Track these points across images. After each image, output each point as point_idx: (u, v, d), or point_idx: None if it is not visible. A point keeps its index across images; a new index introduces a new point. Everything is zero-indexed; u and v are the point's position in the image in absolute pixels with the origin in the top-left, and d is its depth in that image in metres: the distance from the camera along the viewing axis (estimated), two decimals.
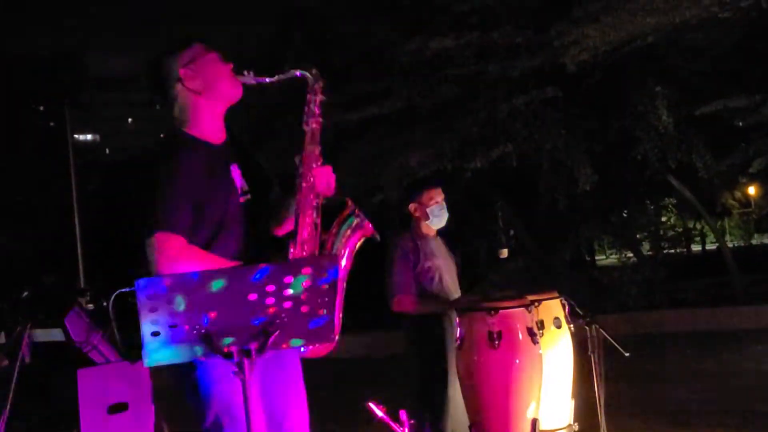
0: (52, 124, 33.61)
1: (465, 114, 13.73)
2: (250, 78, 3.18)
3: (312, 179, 3.13)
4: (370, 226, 3.26)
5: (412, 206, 5.27)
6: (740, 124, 13.96)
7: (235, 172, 3.16)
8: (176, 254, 2.90)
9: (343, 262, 3.24)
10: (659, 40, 12.51)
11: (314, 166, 3.16)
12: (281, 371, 3.19)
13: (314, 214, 3.13)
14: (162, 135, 3.33)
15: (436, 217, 5.24)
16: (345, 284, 3.22)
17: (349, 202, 3.30)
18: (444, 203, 5.29)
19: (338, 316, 3.11)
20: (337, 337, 2.90)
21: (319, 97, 3.24)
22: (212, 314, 2.46)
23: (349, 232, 3.27)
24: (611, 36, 11.77)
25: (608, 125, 13.92)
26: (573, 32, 11.99)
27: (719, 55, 13.32)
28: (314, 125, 3.20)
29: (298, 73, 3.24)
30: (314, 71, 3.25)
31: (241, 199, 3.14)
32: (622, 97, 13.44)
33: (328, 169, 3.20)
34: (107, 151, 78.66)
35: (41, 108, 34.17)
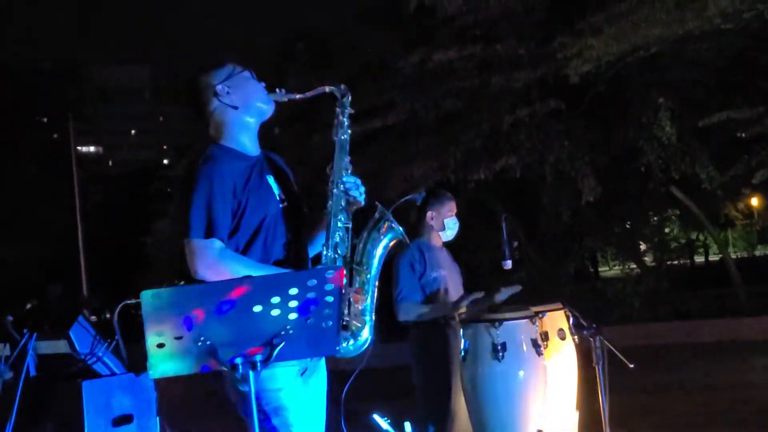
0: (55, 136, 33.73)
1: (468, 126, 13.75)
2: (282, 95, 3.31)
3: (342, 186, 3.24)
4: (400, 229, 3.35)
5: (430, 214, 5.27)
6: (743, 135, 13.97)
7: (273, 181, 3.27)
8: (214, 258, 3.01)
9: (375, 263, 3.33)
10: (662, 52, 12.54)
11: (344, 174, 3.27)
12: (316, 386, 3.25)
13: (345, 219, 3.24)
14: (194, 153, 3.40)
15: (451, 229, 5.27)
16: (377, 287, 3.33)
17: (379, 207, 3.38)
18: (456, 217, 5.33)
19: (372, 318, 3.27)
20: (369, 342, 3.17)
21: (348, 110, 3.35)
22: (217, 326, 2.46)
23: (380, 235, 3.34)
24: (614, 47, 11.79)
25: (611, 137, 13.94)
26: (576, 44, 12.02)
27: (722, 67, 13.34)
28: (343, 136, 3.32)
29: (327, 89, 3.36)
30: (342, 86, 3.37)
31: (281, 204, 3.23)
32: (626, 108, 13.46)
33: (358, 180, 3.31)
34: (110, 163, 78.92)
35: (45, 120, 34.29)
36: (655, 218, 20.54)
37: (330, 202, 3.22)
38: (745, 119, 12.67)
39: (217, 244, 3.02)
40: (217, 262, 3.00)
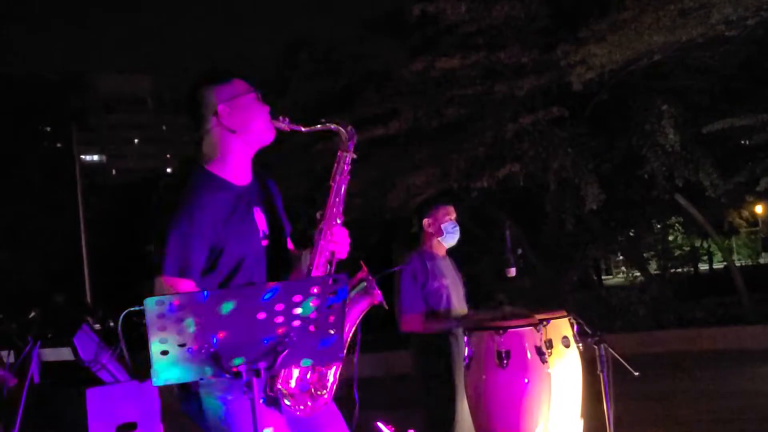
0: (59, 145, 33.81)
1: (471, 134, 13.75)
2: (284, 124, 3.16)
3: (330, 237, 3.09)
4: (380, 294, 3.23)
5: (426, 221, 5.25)
6: (747, 142, 13.96)
7: (258, 215, 3.13)
8: None
9: (347, 328, 3.17)
10: (665, 59, 12.55)
11: (334, 224, 3.12)
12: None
13: (326, 273, 3.08)
14: (184, 166, 3.29)
15: (450, 233, 5.21)
16: (346, 344, 3.14)
17: (363, 266, 3.25)
18: (456, 222, 5.28)
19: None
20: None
21: (351, 155, 3.19)
22: (221, 333, 2.46)
23: (357, 296, 3.24)
24: (617, 55, 11.80)
25: (615, 144, 13.94)
26: (579, 51, 12.02)
27: (726, 74, 13.35)
28: (341, 184, 3.17)
29: (333, 127, 3.20)
30: (350, 128, 3.21)
31: (263, 243, 3.11)
32: (629, 115, 13.46)
33: (345, 231, 3.15)
34: (113, 172, 79.03)
35: (48, 130, 34.37)
36: (659, 226, 20.52)
37: (314, 252, 3.06)
38: (749, 126, 12.66)
39: (189, 285, 2.91)
40: None
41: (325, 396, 3.07)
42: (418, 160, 14.08)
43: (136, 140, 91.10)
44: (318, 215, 3.13)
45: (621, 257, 20.31)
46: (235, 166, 3.11)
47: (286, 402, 2.97)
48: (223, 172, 3.08)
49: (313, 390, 3.03)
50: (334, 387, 3.10)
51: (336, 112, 13.23)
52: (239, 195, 3.08)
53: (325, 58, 17.52)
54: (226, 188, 3.05)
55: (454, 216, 5.26)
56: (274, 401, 2.93)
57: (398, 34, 16.28)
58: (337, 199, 3.14)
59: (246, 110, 3.09)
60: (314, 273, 3.05)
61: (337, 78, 16.67)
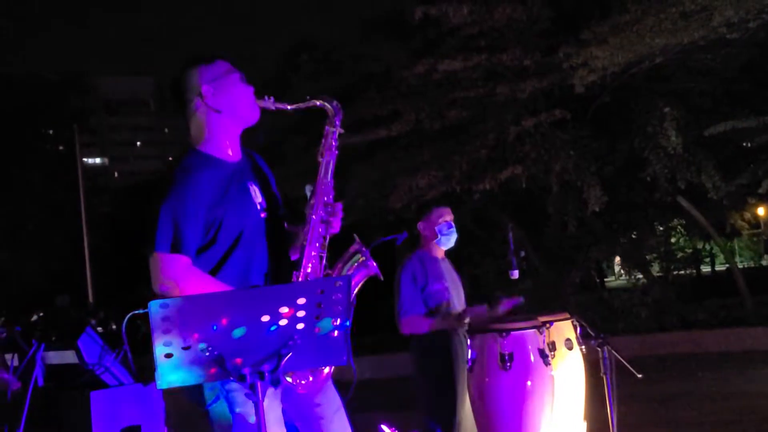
0: (61, 148, 33.81)
1: (474, 136, 13.75)
2: (270, 103, 3.19)
3: (321, 213, 3.12)
4: (375, 265, 3.23)
5: (421, 225, 5.26)
6: (749, 145, 13.95)
7: (253, 189, 3.15)
8: (177, 275, 2.90)
9: None
10: (667, 61, 12.54)
11: (325, 199, 3.14)
12: (327, 400, 3.20)
13: (320, 248, 3.11)
14: (175, 155, 3.32)
15: (445, 235, 5.22)
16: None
17: (357, 239, 3.26)
18: (453, 223, 5.27)
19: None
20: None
21: (338, 130, 3.22)
22: (225, 336, 2.46)
23: (353, 269, 3.24)
24: (619, 57, 11.79)
25: (617, 146, 13.93)
26: (581, 54, 12.01)
27: (727, 76, 13.34)
28: (329, 159, 3.18)
29: (318, 103, 3.23)
30: (335, 103, 3.24)
31: (262, 215, 3.12)
32: (631, 118, 13.45)
33: (339, 206, 3.18)
34: (116, 174, 79.07)
35: (50, 132, 34.36)
36: (661, 228, 20.50)
37: (306, 227, 3.09)
38: (751, 129, 12.65)
39: (183, 260, 2.91)
40: (180, 280, 2.88)
41: (326, 370, 3.07)
42: (420, 161, 14.07)
43: (138, 142, 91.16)
44: (308, 191, 3.16)
45: (623, 259, 20.20)
46: (224, 145, 3.13)
47: (288, 378, 2.98)
48: (214, 150, 3.10)
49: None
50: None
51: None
52: (233, 171, 3.10)
53: (326, 60, 17.51)
54: (218, 165, 3.07)
55: (449, 218, 5.25)
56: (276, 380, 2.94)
57: (400, 36, 16.28)
58: (327, 174, 3.16)
59: (230, 90, 3.12)
60: (307, 248, 3.07)
61: (339, 79, 16.68)
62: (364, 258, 3.23)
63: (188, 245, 2.93)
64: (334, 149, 3.20)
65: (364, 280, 3.28)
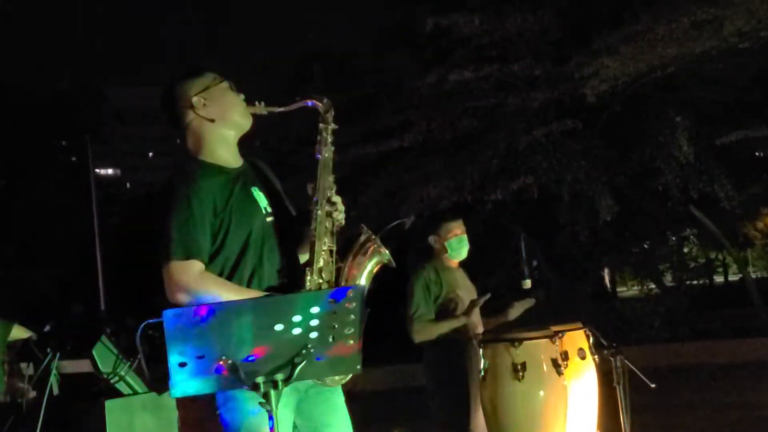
0: (74, 158, 33.94)
1: (485, 146, 13.76)
2: (261, 108, 3.19)
3: (327, 207, 3.12)
4: (387, 252, 3.25)
5: (431, 238, 5.27)
6: (761, 154, 13.92)
7: (258, 193, 3.16)
8: (192, 281, 2.90)
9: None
10: (679, 71, 12.53)
11: (328, 194, 3.14)
12: (331, 409, 3.19)
13: (329, 241, 3.11)
14: (174, 166, 3.33)
15: (455, 250, 5.22)
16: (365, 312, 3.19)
17: (364, 229, 3.25)
18: (464, 235, 5.27)
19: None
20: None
21: (331, 126, 3.22)
22: (239, 345, 2.47)
23: (365, 259, 3.25)
24: (631, 67, 11.80)
25: (629, 156, 13.91)
26: (592, 63, 12.03)
27: (739, 86, 13.32)
28: (327, 154, 3.19)
29: (309, 102, 3.23)
30: (325, 100, 3.23)
31: (268, 218, 3.13)
32: (643, 127, 13.44)
33: (339, 198, 3.17)
34: (128, 185, 79.23)
35: (63, 143, 34.50)
36: (674, 238, 20.45)
37: (314, 224, 3.08)
38: (764, 138, 12.64)
39: (197, 266, 2.91)
40: (195, 286, 2.89)
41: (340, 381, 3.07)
42: (431, 171, 14.09)
43: (150, 153, 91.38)
44: (310, 188, 3.15)
45: (635, 269, 20.16)
46: (223, 152, 3.13)
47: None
48: (213, 158, 3.11)
49: None
50: None
51: (349, 124, 13.25)
52: (234, 177, 3.10)
53: (337, 71, 17.56)
54: (219, 172, 3.08)
55: (459, 231, 5.24)
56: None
57: (411, 47, 16.32)
58: (326, 170, 3.16)
59: (220, 98, 3.13)
60: (317, 244, 3.06)
61: (350, 90, 16.72)
62: (375, 245, 3.24)
63: (200, 251, 2.94)
64: (330, 144, 3.20)
65: (378, 267, 3.28)
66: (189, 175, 3.04)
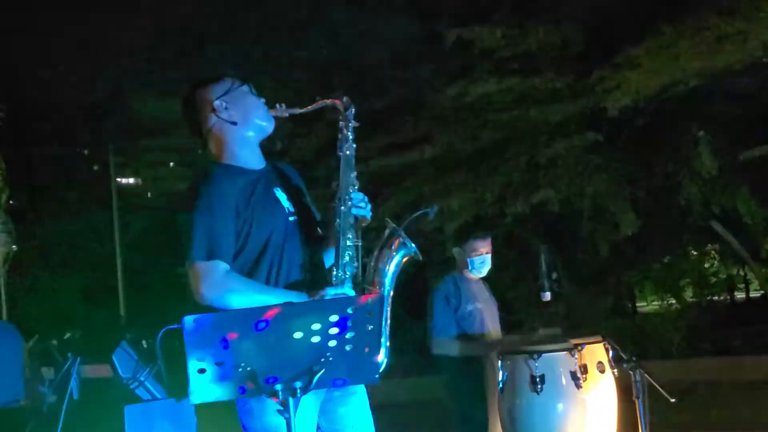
0: (96, 168, 34.11)
1: (506, 159, 13.73)
2: (282, 110, 3.21)
3: (350, 203, 3.13)
4: (413, 245, 3.26)
5: (456, 250, 5.29)
6: None
7: (280, 194, 3.18)
8: (219, 281, 2.93)
9: (388, 282, 3.24)
10: (702, 85, 12.47)
11: (351, 190, 3.15)
12: (355, 411, 3.20)
13: (354, 237, 3.13)
14: (196, 170, 3.36)
15: (475, 268, 5.24)
16: (389, 306, 3.22)
17: (389, 223, 3.30)
18: (488, 255, 5.26)
19: (387, 342, 3.13)
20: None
21: (352, 123, 3.24)
22: (258, 352, 2.47)
23: (391, 252, 3.26)
24: (653, 81, 11.76)
25: (651, 170, 13.85)
26: (615, 77, 11.99)
27: (764, 100, 13.24)
28: (348, 151, 3.20)
29: (329, 102, 3.26)
30: (345, 99, 3.27)
31: (290, 219, 3.15)
32: (665, 141, 13.38)
33: (362, 195, 3.20)
34: (149, 194, 79.66)
35: (86, 152, 34.68)
36: (695, 253, 20.33)
37: (338, 220, 3.10)
38: None
39: (222, 265, 2.94)
40: (222, 285, 2.92)
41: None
42: (452, 184, 14.07)
43: (171, 163, 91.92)
44: (334, 185, 3.16)
45: (656, 284, 20.08)
46: (245, 155, 3.16)
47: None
48: (235, 161, 3.14)
49: None
50: None
51: (370, 135, 13.27)
52: (257, 178, 3.13)
53: (358, 82, 17.57)
54: (242, 173, 3.10)
55: (485, 251, 5.24)
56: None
57: (433, 59, 16.32)
58: (348, 166, 3.17)
59: (242, 101, 3.16)
60: (342, 240, 3.08)
61: (372, 101, 16.73)
62: (401, 239, 3.25)
63: (225, 251, 2.96)
64: (351, 141, 3.22)
65: (405, 260, 3.28)
66: (211, 177, 3.06)
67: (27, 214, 23.08)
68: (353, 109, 3.27)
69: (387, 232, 3.28)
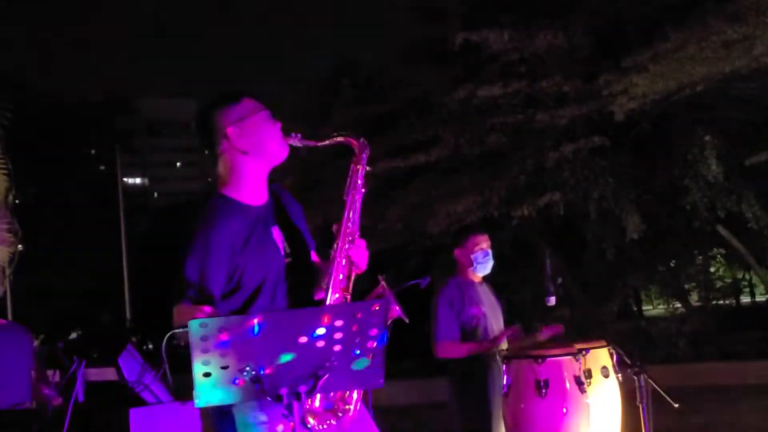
0: (102, 167, 34.24)
1: (512, 162, 13.74)
2: (297, 140, 3.13)
3: (346, 252, 3.07)
4: (398, 309, 3.20)
5: (457, 251, 5.29)
6: None
7: (277, 234, 3.13)
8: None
9: None
10: (708, 90, 12.46)
11: (350, 239, 3.09)
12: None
13: (344, 289, 3.07)
14: (199, 197, 3.31)
15: (480, 263, 5.23)
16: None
17: (382, 282, 3.19)
18: (490, 250, 5.28)
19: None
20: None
21: (364, 168, 3.15)
22: (263, 356, 2.49)
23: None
24: (660, 85, 11.75)
25: (657, 174, 13.85)
26: (621, 81, 12.00)
27: None
28: (355, 197, 3.12)
29: (344, 139, 3.18)
30: (362, 140, 3.18)
31: (285, 261, 3.11)
32: (671, 146, 13.38)
33: (363, 244, 3.12)
34: (155, 194, 79.72)
35: (92, 152, 34.80)
36: (700, 257, 20.31)
37: (330, 268, 3.03)
38: None
39: (206, 310, 2.88)
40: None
41: (350, 413, 3.05)
42: (458, 187, 14.08)
43: (178, 163, 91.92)
44: (334, 229, 3.10)
45: (661, 288, 20.05)
46: (251, 187, 3.10)
47: (311, 420, 2.91)
48: (239, 194, 3.08)
49: (336, 408, 2.98)
50: (359, 402, 3.05)
51: (377, 138, 13.30)
52: (256, 217, 3.08)
53: (366, 85, 17.61)
54: (242, 211, 3.05)
55: (485, 245, 5.26)
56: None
57: (440, 62, 16.34)
58: (352, 213, 3.10)
59: (257, 130, 3.07)
60: (332, 287, 3.02)
61: (379, 104, 16.76)
62: (388, 303, 3.18)
63: (212, 294, 2.94)
64: (359, 188, 3.13)
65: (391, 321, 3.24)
66: (211, 212, 3.02)
67: (33, 214, 23.19)
68: (368, 152, 3.18)
69: (377, 292, 3.17)
